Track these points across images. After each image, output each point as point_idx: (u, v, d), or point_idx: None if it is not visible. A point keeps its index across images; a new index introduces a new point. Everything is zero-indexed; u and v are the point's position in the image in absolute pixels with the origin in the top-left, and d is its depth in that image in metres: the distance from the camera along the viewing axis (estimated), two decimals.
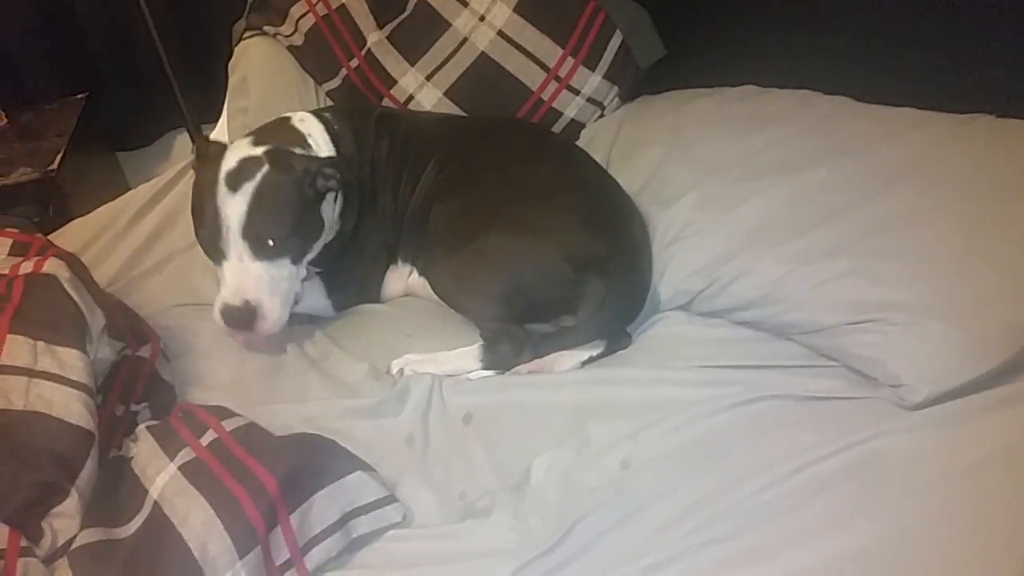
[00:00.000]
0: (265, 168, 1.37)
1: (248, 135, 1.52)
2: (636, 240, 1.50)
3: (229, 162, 1.38)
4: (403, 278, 1.63)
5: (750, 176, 1.47)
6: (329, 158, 1.49)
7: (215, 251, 1.37)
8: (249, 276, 1.33)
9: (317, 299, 1.59)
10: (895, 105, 1.58)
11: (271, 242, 1.34)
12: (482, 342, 1.44)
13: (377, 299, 1.64)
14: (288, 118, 1.59)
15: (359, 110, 1.73)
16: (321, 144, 1.54)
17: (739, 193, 1.45)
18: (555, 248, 1.40)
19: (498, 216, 1.44)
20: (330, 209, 1.48)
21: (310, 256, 1.46)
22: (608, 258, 1.41)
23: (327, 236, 1.50)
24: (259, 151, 1.41)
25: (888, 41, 1.64)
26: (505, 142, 1.63)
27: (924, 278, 1.26)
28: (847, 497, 1.10)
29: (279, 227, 1.35)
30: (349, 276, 1.60)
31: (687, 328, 1.41)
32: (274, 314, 1.34)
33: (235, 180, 1.35)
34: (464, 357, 1.43)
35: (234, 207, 1.33)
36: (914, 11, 1.62)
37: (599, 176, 1.61)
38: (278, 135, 1.51)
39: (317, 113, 1.64)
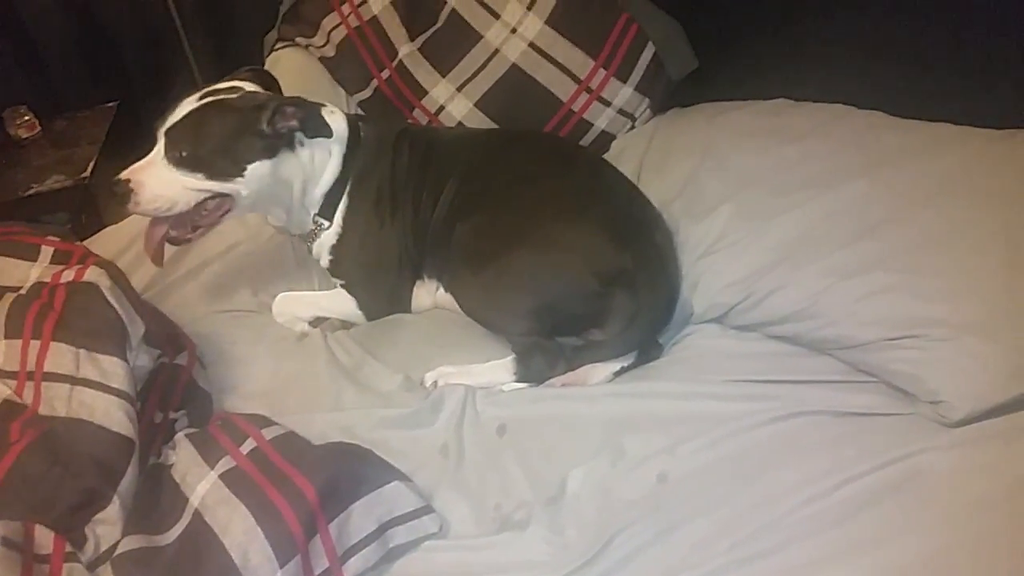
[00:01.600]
0: (225, 96, 1.47)
1: None
2: (662, 251, 1.50)
3: (223, 86, 1.52)
4: (431, 293, 1.64)
5: (786, 189, 1.46)
6: (297, 99, 1.50)
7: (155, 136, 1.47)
8: (149, 165, 1.43)
9: (347, 306, 1.61)
10: (930, 121, 1.57)
11: (182, 152, 1.41)
12: (515, 355, 1.44)
13: (408, 309, 1.64)
14: (323, 105, 1.59)
15: (386, 124, 1.75)
16: (337, 134, 1.55)
17: (775, 206, 1.44)
18: (582, 263, 1.40)
19: (523, 233, 1.44)
20: (309, 155, 1.53)
21: (245, 173, 1.45)
22: (635, 271, 1.41)
23: (297, 177, 1.53)
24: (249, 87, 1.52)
25: (922, 58, 1.63)
26: (527, 156, 1.62)
27: (965, 294, 1.25)
28: (889, 514, 1.09)
29: (193, 143, 1.42)
30: (374, 285, 1.61)
31: (722, 341, 1.41)
32: (145, 199, 1.40)
33: (204, 94, 1.47)
34: (497, 370, 1.43)
35: (179, 110, 1.45)
36: (949, 28, 1.61)
37: (623, 187, 1.61)
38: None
39: (351, 115, 1.65)
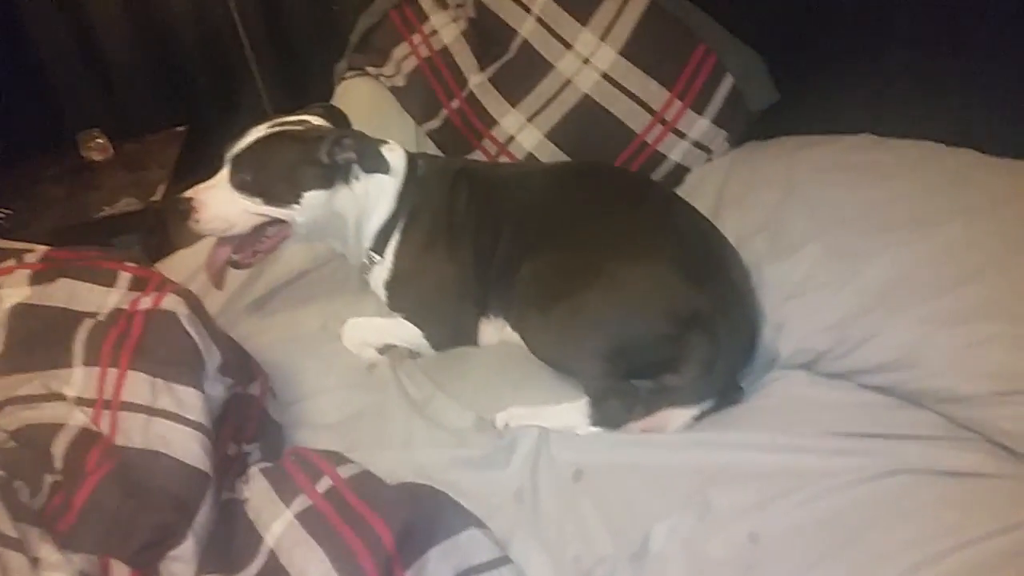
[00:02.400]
0: (291, 127, 1.54)
1: None
2: (740, 290, 1.45)
3: (297, 115, 1.59)
4: (498, 330, 1.61)
5: (877, 229, 1.40)
6: (355, 132, 1.57)
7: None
8: (213, 187, 1.50)
9: (414, 335, 1.60)
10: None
11: (245, 177, 1.48)
12: (588, 398, 1.39)
13: (475, 342, 1.61)
14: (384, 142, 1.62)
15: (447, 161, 1.76)
16: (393, 170, 1.58)
17: (865, 247, 1.38)
18: (654, 305, 1.35)
19: (592, 273, 1.39)
20: (364, 189, 1.57)
21: (301, 200, 1.50)
22: (712, 312, 1.35)
23: (351, 212, 1.57)
24: (316, 121, 1.58)
25: (1012, 93, 1.56)
26: (594, 192, 1.58)
27: None
28: None
29: (255, 169, 1.48)
30: (434, 318, 1.60)
31: (811, 389, 1.34)
32: (206, 218, 1.48)
33: (275, 123, 1.55)
34: (572, 413, 1.39)
35: (247, 138, 1.52)
36: None
37: (696, 223, 1.55)
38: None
39: (412, 153, 1.66)
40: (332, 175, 1.52)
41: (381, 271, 1.62)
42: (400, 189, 1.59)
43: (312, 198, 1.51)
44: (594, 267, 1.40)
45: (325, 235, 1.61)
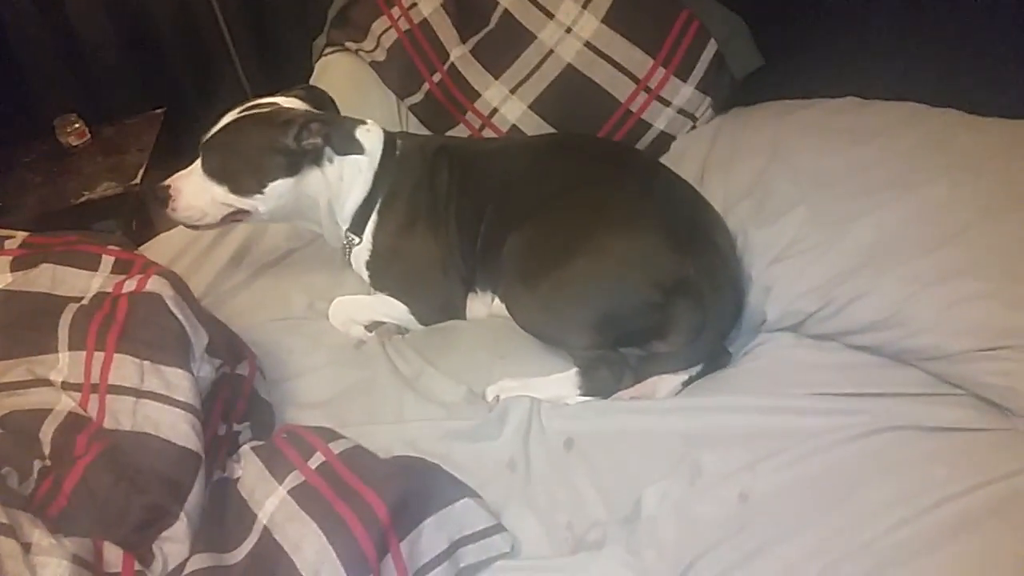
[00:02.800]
0: (259, 110, 1.51)
1: None
2: (725, 256, 1.45)
3: (269, 100, 1.56)
4: (486, 304, 1.61)
5: (862, 191, 1.40)
6: (325, 115, 1.54)
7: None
8: (188, 174, 1.50)
9: (401, 311, 1.59)
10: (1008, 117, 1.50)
11: (214, 163, 1.48)
12: (578, 368, 1.39)
13: (463, 316, 1.61)
14: (362, 122, 1.60)
15: (427, 139, 1.74)
16: (369, 151, 1.56)
17: (851, 209, 1.38)
18: (640, 273, 1.35)
19: (576, 244, 1.39)
20: (337, 172, 1.54)
21: (265, 191, 1.49)
22: (697, 279, 1.35)
23: (322, 194, 1.55)
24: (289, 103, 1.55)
25: (994, 53, 1.56)
26: (577, 163, 1.57)
27: None
28: (991, 539, 1.03)
29: (223, 155, 1.48)
30: (418, 295, 1.59)
31: (798, 351, 1.35)
32: (181, 206, 1.49)
33: (245, 108, 1.52)
34: (562, 384, 1.39)
35: (223, 122, 1.51)
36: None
37: (680, 191, 1.55)
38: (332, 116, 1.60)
39: (391, 132, 1.64)
40: (299, 160, 1.49)
41: (361, 252, 1.60)
42: (377, 170, 1.57)
43: (277, 187, 1.49)
44: (578, 239, 1.39)
45: (295, 218, 1.60)
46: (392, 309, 1.60)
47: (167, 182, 1.49)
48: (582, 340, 1.39)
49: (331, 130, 1.49)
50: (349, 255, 1.63)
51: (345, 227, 1.60)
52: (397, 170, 1.59)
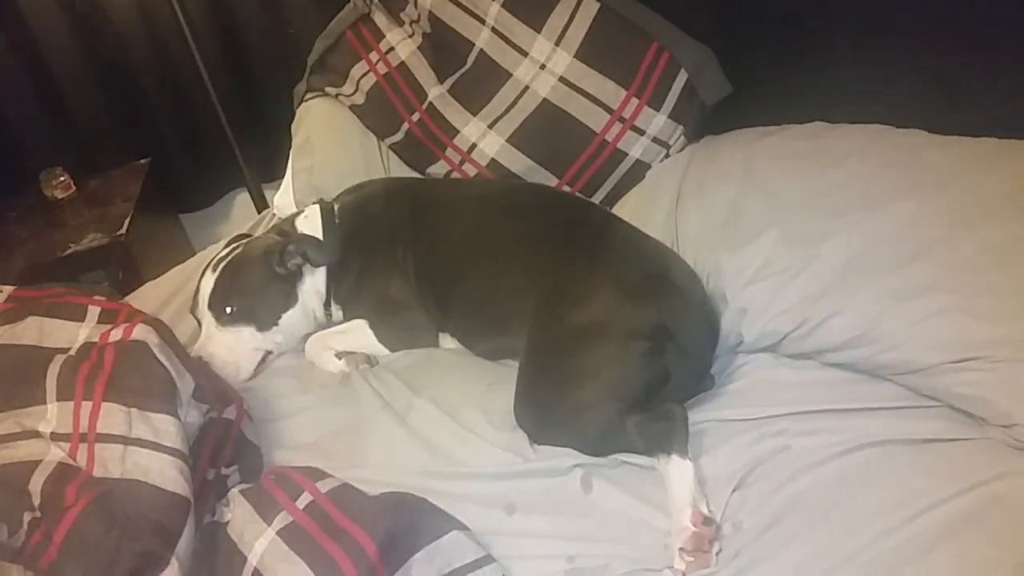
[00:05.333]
0: (236, 252, 1.64)
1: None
2: (685, 292, 1.45)
3: (221, 251, 1.69)
4: (455, 342, 1.64)
5: (832, 212, 1.44)
6: (295, 236, 1.67)
7: (196, 319, 1.64)
8: (210, 339, 1.58)
9: (368, 337, 1.64)
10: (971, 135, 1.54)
11: (229, 310, 1.58)
12: None
13: (433, 343, 1.66)
14: (296, 214, 1.77)
15: (377, 186, 1.85)
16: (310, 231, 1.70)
17: (822, 229, 1.41)
18: (632, 363, 1.33)
19: (553, 362, 1.36)
20: (313, 279, 1.68)
21: (280, 322, 1.63)
22: (667, 322, 1.35)
23: (314, 301, 1.69)
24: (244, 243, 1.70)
25: (955, 76, 1.61)
26: (529, 224, 1.60)
27: None
28: (970, 546, 1.04)
29: (234, 297, 1.58)
30: (384, 313, 1.65)
31: (777, 371, 1.37)
32: (227, 370, 1.56)
33: (216, 264, 1.63)
34: None
35: (206, 283, 1.61)
36: (983, 40, 1.59)
37: (627, 241, 1.57)
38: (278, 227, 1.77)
39: (326, 203, 1.76)
40: (293, 285, 1.64)
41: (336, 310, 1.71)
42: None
43: (288, 317, 1.63)
44: (551, 353, 1.38)
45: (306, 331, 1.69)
46: (360, 336, 1.64)
47: (194, 354, 1.53)
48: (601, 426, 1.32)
49: (304, 246, 1.62)
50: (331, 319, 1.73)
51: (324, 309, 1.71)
52: (343, 234, 1.70)
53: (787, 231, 1.45)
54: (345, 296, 1.70)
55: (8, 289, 1.55)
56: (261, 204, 2.66)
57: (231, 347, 1.58)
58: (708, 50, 1.80)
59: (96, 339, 1.36)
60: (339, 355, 1.62)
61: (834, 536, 1.09)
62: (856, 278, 1.33)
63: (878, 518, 1.09)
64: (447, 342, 1.65)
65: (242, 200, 2.78)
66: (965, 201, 1.39)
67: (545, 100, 1.84)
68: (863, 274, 1.34)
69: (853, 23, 1.70)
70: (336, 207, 1.75)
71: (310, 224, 1.71)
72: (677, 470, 1.21)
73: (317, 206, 1.75)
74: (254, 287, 1.60)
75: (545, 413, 1.35)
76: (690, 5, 1.85)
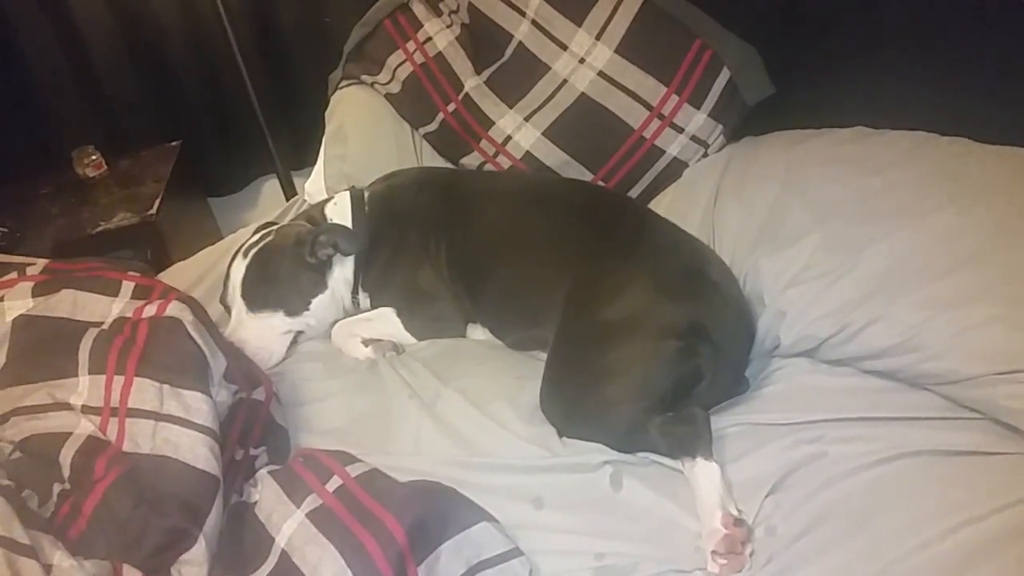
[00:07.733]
0: (267, 240, 1.65)
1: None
2: (723, 291, 1.43)
3: (251, 238, 1.69)
4: (485, 333, 1.64)
5: (874, 218, 1.41)
6: (326, 227, 1.67)
7: (225, 307, 1.64)
8: (241, 325, 1.59)
9: (394, 325, 1.64)
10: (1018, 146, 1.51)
11: (260, 297, 1.59)
12: None
13: (461, 332, 1.65)
14: (325, 202, 1.78)
15: (408, 175, 1.83)
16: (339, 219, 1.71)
17: (865, 235, 1.39)
18: (663, 364, 1.30)
19: (582, 355, 1.35)
20: (342, 267, 1.68)
21: (310, 307, 1.64)
22: (703, 320, 1.33)
23: (342, 289, 1.69)
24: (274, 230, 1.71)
25: (1003, 82, 1.58)
26: (564, 223, 1.58)
27: None
28: (1014, 561, 1.02)
29: (265, 285, 1.59)
30: (411, 302, 1.64)
31: (814, 377, 1.35)
32: (260, 355, 1.56)
33: (246, 251, 1.64)
34: None
35: (236, 270, 1.61)
36: None
37: (666, 237, 1.56)
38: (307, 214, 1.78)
39: (356, 189, 1.78)
40: (323, 274, 1.64)
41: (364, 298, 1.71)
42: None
43: (318, 302, 1.63)
44: (585, 346, 1.36)
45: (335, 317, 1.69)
46: (387, 324, 1.64)
47: (228, 338, 1.53)
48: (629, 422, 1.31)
49: (335, 236, 1.61)
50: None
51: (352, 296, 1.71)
52: (372, 222, 1.70)
53: (828, 236, 1.43)
54: (373, 284, 1.70)
55: (42, 262, 1.55)
56: (290, 191, 2.66)
57: (262, 333, 1.58)
58: (752, 49, 1.78)
59: (130, 314, 1.36)
60: (366, 342, 1.62)
61: (870, 545, 1.07)
62: (898, 285, 1.31)
63: (916, 530, 1.07)
64: (476, 332, 1.65)
65: (270, 187, 2.78)
66: (1010, 212, 1.36)
67: (583, 94, 1.83)
68: (905, 282, 1.31)
69: (898, 28, 1.68)
70: (366, 195, 1.76)
71: (339, 212, 1.72)
72: (704, 473, 1.19)
73: (347, 194, 1.75)
74: (285, 275, 1.60)
75: (571, 406, 1.34)
76: (735, 3, 1.83)
